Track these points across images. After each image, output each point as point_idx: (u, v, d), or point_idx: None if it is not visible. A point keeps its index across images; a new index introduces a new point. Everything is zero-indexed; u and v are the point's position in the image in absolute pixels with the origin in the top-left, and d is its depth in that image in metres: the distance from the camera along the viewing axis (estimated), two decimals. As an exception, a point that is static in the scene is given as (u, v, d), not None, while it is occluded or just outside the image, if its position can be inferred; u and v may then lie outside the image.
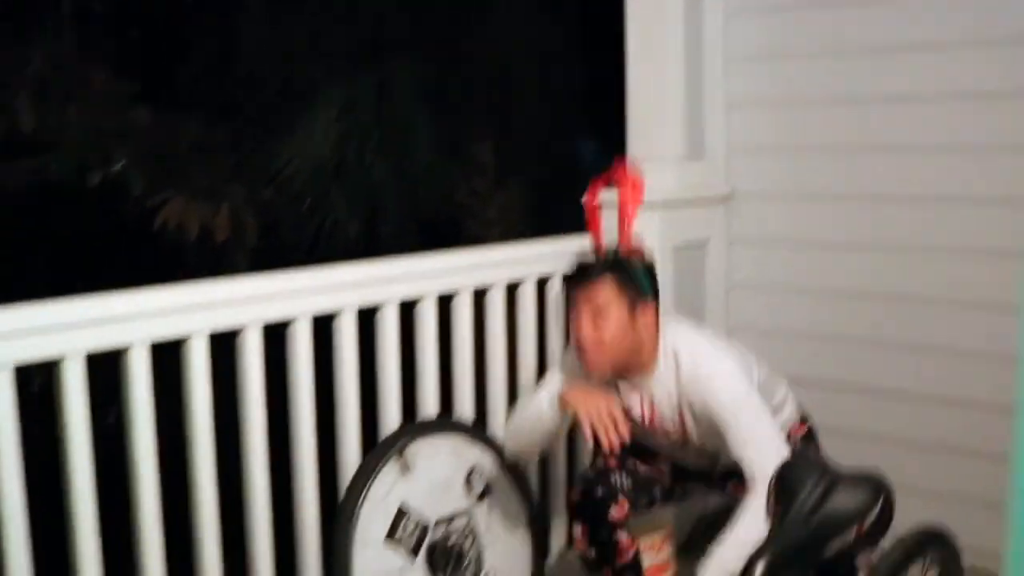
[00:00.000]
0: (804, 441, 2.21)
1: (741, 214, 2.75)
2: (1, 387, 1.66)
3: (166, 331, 1.83)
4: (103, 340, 1.76)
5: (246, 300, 1.96)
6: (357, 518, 2.03)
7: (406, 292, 2.18)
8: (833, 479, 1.60)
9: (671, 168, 2.63)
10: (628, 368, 2.09)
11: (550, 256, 2.43)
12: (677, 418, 2.09)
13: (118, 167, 3.22)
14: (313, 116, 3.93)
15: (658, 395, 2.09)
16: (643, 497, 2.15)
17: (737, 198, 2.75)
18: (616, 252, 2.19)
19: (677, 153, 2.65)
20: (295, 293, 2.02)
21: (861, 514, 1.58)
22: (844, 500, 1.57)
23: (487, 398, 2.39)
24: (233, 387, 1.97)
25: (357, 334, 2.11)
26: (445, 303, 2.28)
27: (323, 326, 2.06)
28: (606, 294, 2.06)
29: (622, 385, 2.12)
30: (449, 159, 3.95)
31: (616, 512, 2.11)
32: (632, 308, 2.04)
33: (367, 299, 2.12)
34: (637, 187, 2.40)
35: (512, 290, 2.41)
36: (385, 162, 3.82)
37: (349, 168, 3.80)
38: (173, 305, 1.86)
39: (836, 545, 1.58)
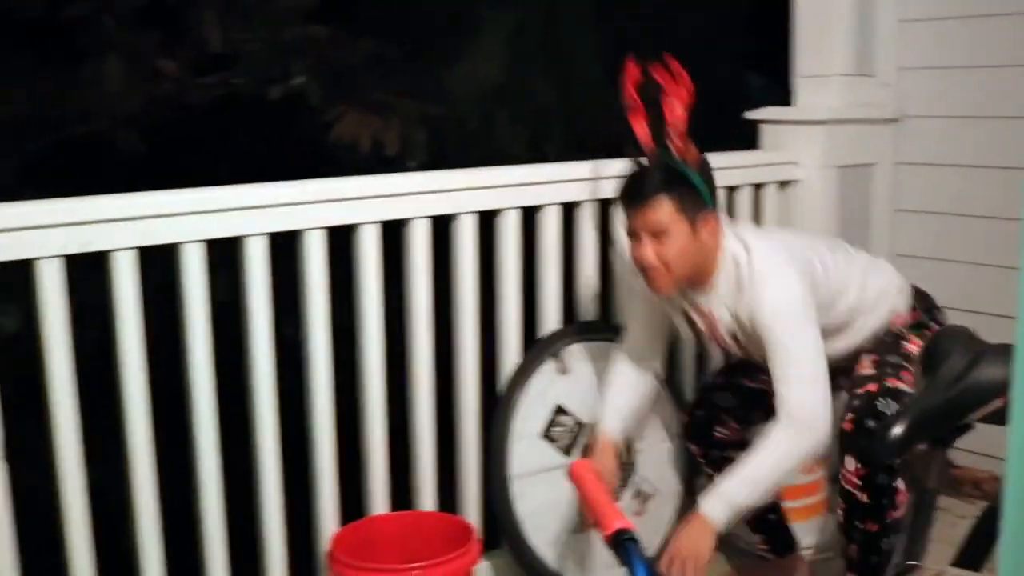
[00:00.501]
0: (912, 330, 2.10)
1: (910, 136, 2.68)
2: (192, 260, 1.85)
3: (338, 218, 1.97)
4: (281, 223, 1.93)
5: (413, 194, 2.06)
6: (515, 410, 2.13)
7: (565, 195, 2.28)
8: (981, 350, 1.55)
9: (838, 86, 2.59)
10: (692, 281, 2.01)
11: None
12: (736, 329, 2.03)
13: (297, 82, 3.38)
14: (482, 38, 4.03)
15: (717, 305, 2.02)
16: (755, 412, 2.13)
17: (906, 120, 2.68)
18: (668, 160, 2.01)
19: (845, 71, 2.60)
20: (460, 191, 2.11)
21: (1006, 385, 1.57)
22: (990, 371, 1.52)
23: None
24: (399, 280, 2.10)
25: (518, 234, 2.20)
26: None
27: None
28: (665, 214, 1.93)
29: (683, 296, 2.05)
30: (614, 82, 3.97)
31: (722, 432, 2.14)
32: (693, 222, 1.93)
33: (528, 200, 2.21)
34: (682, 78, 2.11)
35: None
36: (551, 85, 3.88)
37: (515, 90, 3.87)
38: (344, 194, 1.99)
39: (978, 414, 1.56)
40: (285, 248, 1.97)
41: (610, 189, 2.22)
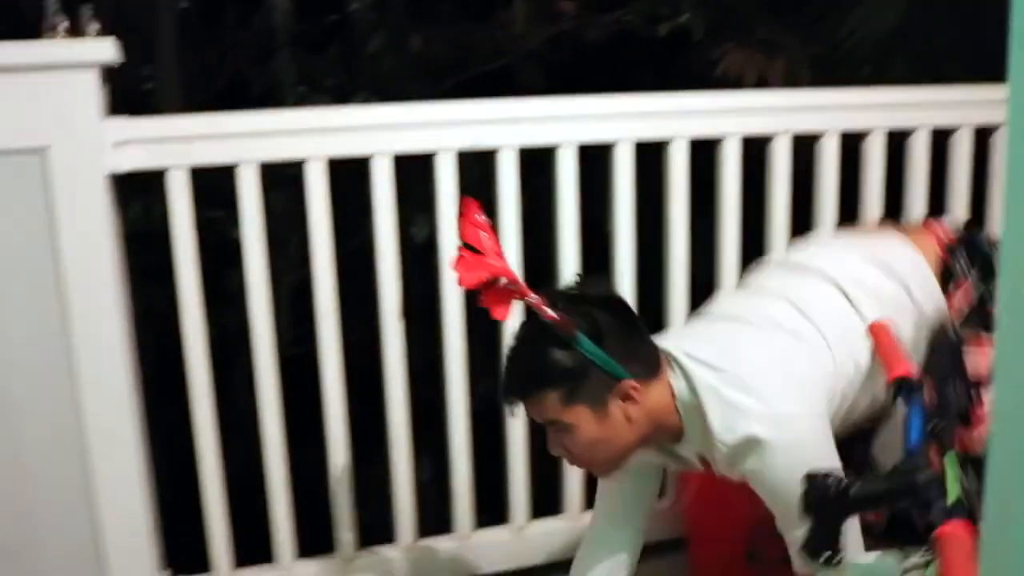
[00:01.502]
0: None
1: None
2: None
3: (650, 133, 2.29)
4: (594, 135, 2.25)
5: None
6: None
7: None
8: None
9: None
10: (654, 441, 1.73)
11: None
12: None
13: (684, 19, 3.50)
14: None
15: (696, 454, 1.74)
16: None
17: None
18: (533, 341, 1.65)
19: None
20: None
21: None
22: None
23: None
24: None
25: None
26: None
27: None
28: (549, 411, 1.65)
29: (668, 449, 1.77)
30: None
31: None
32: (596, 404, 1.63)
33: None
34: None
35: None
36: (953, 32, 3.63)
37: (915, 36, 3.67)
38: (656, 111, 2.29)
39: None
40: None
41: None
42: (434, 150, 2.18)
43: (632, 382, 1.63)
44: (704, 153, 2.33)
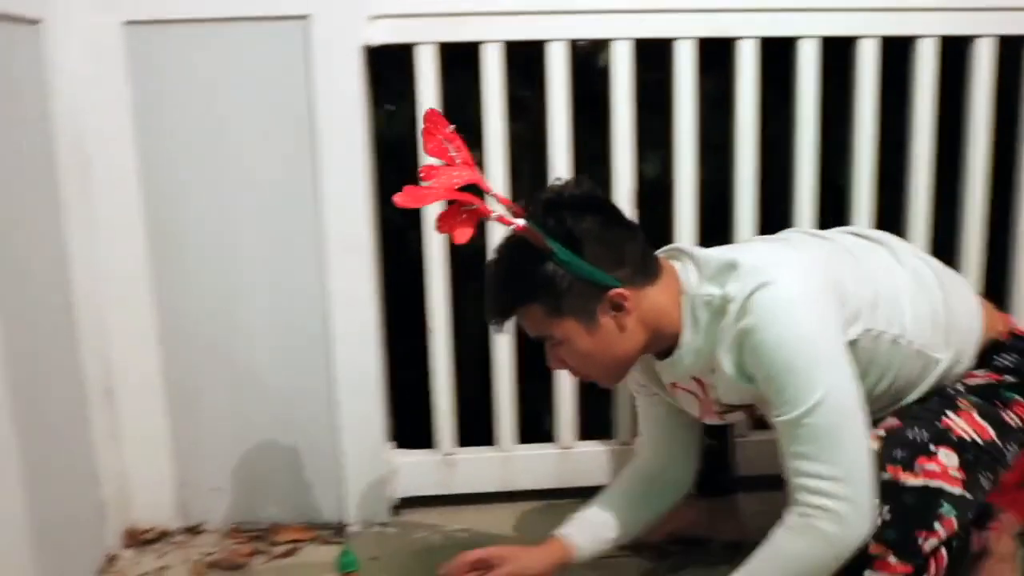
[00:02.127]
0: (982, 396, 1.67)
1: None
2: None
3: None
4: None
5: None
6: None
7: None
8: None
9: None
10: (653, 350, 1.66)
11: None
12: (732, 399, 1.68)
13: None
14: None
15: (689, 378, 1.68)
16: None
17: None
18: (509, 256, 1.60)
19: None
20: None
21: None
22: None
23: None
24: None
25: None
26: None
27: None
28: (536, 324, 1.60)
29: (652, 370, 1.72)
30: None
31: None
32: (583, 314, 1.56)
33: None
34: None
35: None
36: None
37: None
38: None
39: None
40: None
41: None
42: (674, 36, 2.17)
43: (620, 290, 1.56)
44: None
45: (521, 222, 1.54)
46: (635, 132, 2.21)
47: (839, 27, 2.19)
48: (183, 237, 2.17)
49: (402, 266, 2.33)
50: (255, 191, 2.16)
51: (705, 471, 2.08)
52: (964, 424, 1.63)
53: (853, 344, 1.60)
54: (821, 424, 1.49)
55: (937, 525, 1.57)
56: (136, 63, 2.08)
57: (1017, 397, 1.69)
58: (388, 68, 2.22)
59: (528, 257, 1.55)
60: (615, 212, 1.64)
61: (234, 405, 2.26)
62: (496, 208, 1.57)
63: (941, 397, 1.68)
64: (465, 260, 2.21)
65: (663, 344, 1.65)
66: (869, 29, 2.19)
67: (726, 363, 1.58)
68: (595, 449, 2.37)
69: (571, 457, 2.36)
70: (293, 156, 2.14)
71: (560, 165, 2.21)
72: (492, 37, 2.15)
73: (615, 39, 2.16)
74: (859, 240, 1.78)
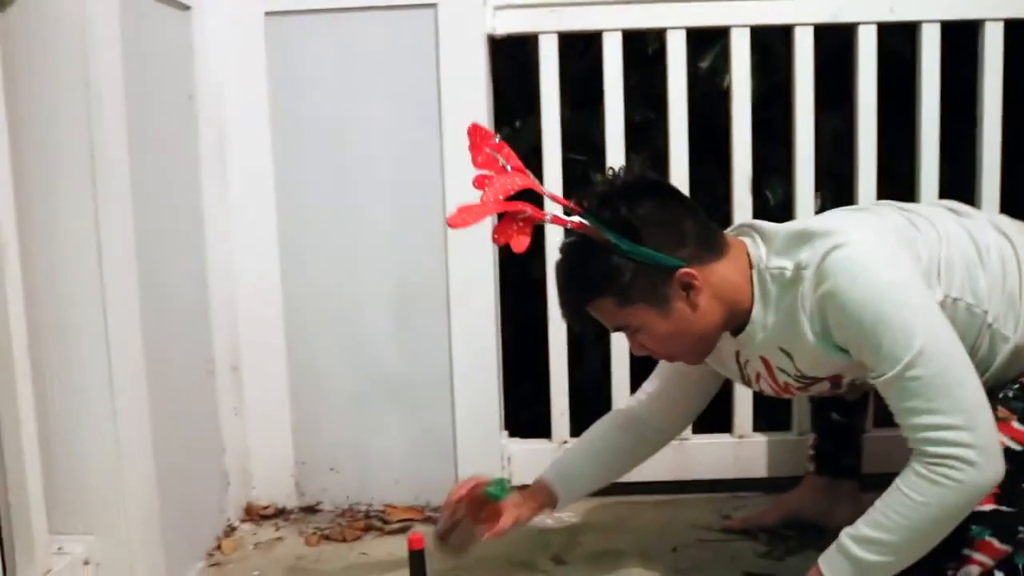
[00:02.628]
0: None
1: None
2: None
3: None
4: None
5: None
6: None
7: None
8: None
9: None
10: (732, 325, 1.63)
11: None
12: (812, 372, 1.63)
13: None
14: None
15: (762, 351, 1.63)
16: None
17: None
18: (571, 255, 1.59)
19: None
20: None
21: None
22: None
23: None
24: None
25: None
26: None
27: None
28: (610, 317, 1.59)
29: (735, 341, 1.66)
30: None
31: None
32: (656, 301, 1.55)
33: None
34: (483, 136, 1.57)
35: None
36: None
37: None
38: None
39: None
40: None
41: None
42: (792, 23, 2.19)
43: (687, 270, 1.54)
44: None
45: (576, 219, 1.54)
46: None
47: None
48: (311, 219, 2.26)
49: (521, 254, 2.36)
50: (382, 176, 2.24)
51: (830, 451, 2.04)
52: (1001, 435, 1.50)
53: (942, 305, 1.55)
54: (929, 373, 1.43)
55: (968, 551, 1.50)
56: (274, 50, 2.21)
57: None
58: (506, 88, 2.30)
59: (590, 253, 1.55)
60: (670, 191, 1.64)
61: (353, 387, 2.31)
62: (553, 209, 1.59)
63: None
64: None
65: (739, 319, 1.62)
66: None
67: (808, 333, 1.54)
68: (713, 441, 2.34)
69: (687, 449, 2.32)
70: (420, 143, 2.22)
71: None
72: (612, 26, 2.21)
73: (732, 26, 2.20)
74: (938, 210, 1.72)
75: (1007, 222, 1.75)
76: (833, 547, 1.51)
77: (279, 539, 2.18)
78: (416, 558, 1.68)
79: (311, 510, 2.33)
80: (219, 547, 2.12)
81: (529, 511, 1.82)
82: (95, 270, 1.68)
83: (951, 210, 1.73)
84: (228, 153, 2.23)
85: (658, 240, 1.53)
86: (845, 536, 1.50)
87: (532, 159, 2.10)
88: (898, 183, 2.24)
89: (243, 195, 2.25)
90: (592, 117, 2.31)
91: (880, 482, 1.56)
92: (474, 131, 1.56)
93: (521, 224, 1.53)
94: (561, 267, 1.63)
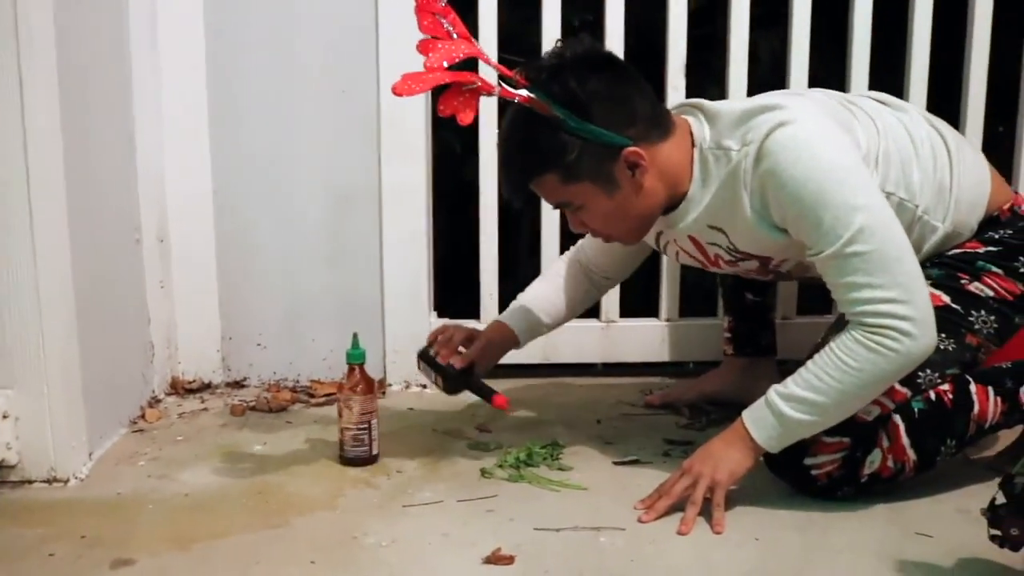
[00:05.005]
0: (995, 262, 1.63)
1: None
2: None
3: None
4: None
5: None
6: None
7: None
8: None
9: None
10: (671, 205, 1.64)
11: None
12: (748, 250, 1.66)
13: None
14: None
15: (696, 231, 1.65)
16: None
17: None
18: (516, 128, 1.56)
19: None
20: None
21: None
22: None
23: None
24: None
25: None
26: None
27: None
28: (552, 193, 1.59)
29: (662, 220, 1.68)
30: None
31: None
32: (600, 178, 1.54)
33: None
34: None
35: None
36: None
37: None
38: None
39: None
40: None
41: None
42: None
43: (634, 148, 1.53)
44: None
45: (525, 93, 1.50)
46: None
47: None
48: (244, 90, 2.22)
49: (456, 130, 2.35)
50: (315, 49, 2.21)
51: (746, 331, 2.07)
52: None
53: None
54: (868, 249, 1.47)
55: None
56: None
57: (992, 268, 1.63)
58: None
59: (536, 127, 1.51)
60: (621, 67, 1.60)
61: (282, 263, 2.30)
62: (498, 82, 1.53)
63: None
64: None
65: (676, 200, 1.63)
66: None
67: (747, 209, 1.56)
68: (640, 325, 2.39)
69: (614, 332, 2.35)
70: (355, 15, 2.19)
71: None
72: None
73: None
74: (872, 102, 1.73)
75: (934, 118, 1.79)
76: (760, 403, 1.56)
77: (204, 410, 2.17)
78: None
79: (238, 385, 2.32)
80: (143, 416, 2.11)
81: (495, 348, 1.92)
82: (18, 133, 1.65)
83: (882, 102, 1.75)
84: (159, 24, 2.17)
85: (607, 118, 1.51)
86: (774, 393, 1.54)
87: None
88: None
89: (174, 66, 2.20)
90: (531, 18, 2.28)
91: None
92: None
93: (467, 96, 1.48)
94: (505, 141, 1.60)
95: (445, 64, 1.47)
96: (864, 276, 1.47)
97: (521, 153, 1.57)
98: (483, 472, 1.77)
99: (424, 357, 1.89)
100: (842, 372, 1.49)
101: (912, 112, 1.74)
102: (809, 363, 1.53)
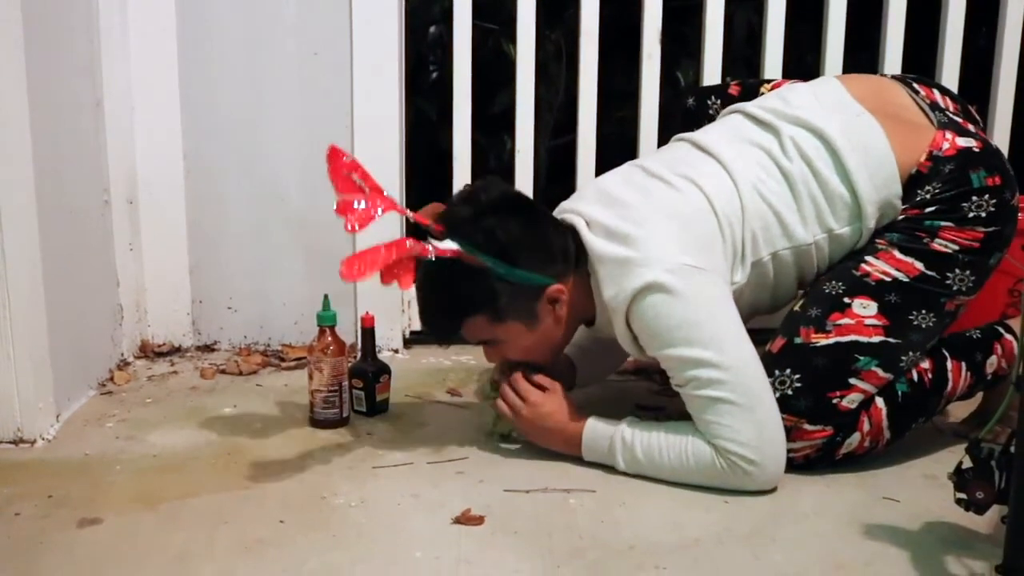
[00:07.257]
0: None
1: None
2: None
3: None
4: None
5: None
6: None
7: None
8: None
9: None
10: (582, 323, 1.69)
11: None
12: None
13: None
14: None
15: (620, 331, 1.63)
16: None
17: None
18: (441, 278, 1.56)
19: None
20: None
21: None
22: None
23: None
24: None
25: None
26: None
27: None
28: (479, 335, 1.63)
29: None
30: None
31: None
32: (526, 317, 1.60)
33: None
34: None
35: None
36: None
37: None
38: None
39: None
40: None
41: None
42: None
43: (556, 285, 1.59)
44: None
45: (454, 246, 1.53)
46: None
47: None
48: (213, 54, 2.19)
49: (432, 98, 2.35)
50: (287, 10, 2.18)
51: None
52: (885, 265, 1.58)
53: (757, 266, 1.60)
54: (720, 395, 1.50)
55: (855, 380, 1.56)
56: None
57: (943, 223, 1.58)
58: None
59: (463, 276, 1.54)
60: (533, 208, 1.64)
61: (253, 227, 2.28)
62: (428, 240, 1.55)
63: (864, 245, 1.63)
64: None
65: (588, 317, 1.68)
66: None
67: (630, 345, 1.62)
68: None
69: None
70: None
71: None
72: None
73: None
74: (724, 166, 1.64)
75: (823, 93, 1.71)
76: (606, 432, 1.60)
77: (174, 373, 2.15)
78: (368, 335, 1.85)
79: (208, 348, 2.31)
80: (111, 378, 2.09)
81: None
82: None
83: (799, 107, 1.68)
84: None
85: (532, 261, 1.56)
86: (620, 437, 1.59)
87: (445, 23, 2.06)
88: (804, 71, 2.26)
89: (143, 28, 2.17)
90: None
91: (762, 337, 1.61)
92: (332, 155, 1.51)
93: (406, 262, 1.53)
94: (430, 290, 1.60)
95: (369, 227, 1.50)
96: (714, 416, 1.52)
97: (450, 303, 1.59)
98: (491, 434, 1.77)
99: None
100: (682, 462, 1.55)
101: (775, 135, 1.66)
102: (666, 432, 1.57)
